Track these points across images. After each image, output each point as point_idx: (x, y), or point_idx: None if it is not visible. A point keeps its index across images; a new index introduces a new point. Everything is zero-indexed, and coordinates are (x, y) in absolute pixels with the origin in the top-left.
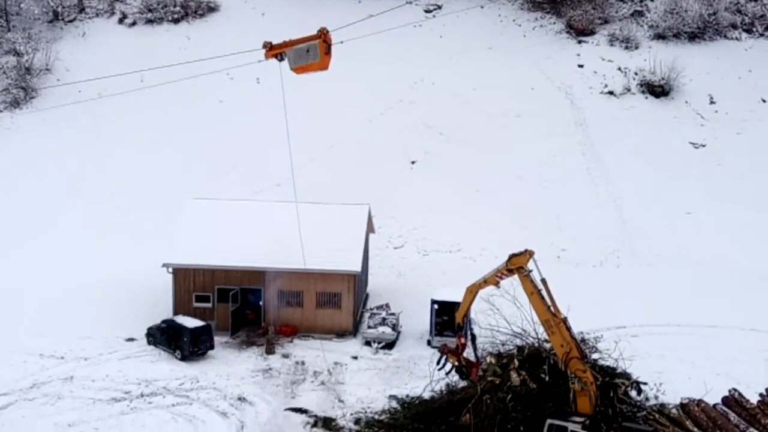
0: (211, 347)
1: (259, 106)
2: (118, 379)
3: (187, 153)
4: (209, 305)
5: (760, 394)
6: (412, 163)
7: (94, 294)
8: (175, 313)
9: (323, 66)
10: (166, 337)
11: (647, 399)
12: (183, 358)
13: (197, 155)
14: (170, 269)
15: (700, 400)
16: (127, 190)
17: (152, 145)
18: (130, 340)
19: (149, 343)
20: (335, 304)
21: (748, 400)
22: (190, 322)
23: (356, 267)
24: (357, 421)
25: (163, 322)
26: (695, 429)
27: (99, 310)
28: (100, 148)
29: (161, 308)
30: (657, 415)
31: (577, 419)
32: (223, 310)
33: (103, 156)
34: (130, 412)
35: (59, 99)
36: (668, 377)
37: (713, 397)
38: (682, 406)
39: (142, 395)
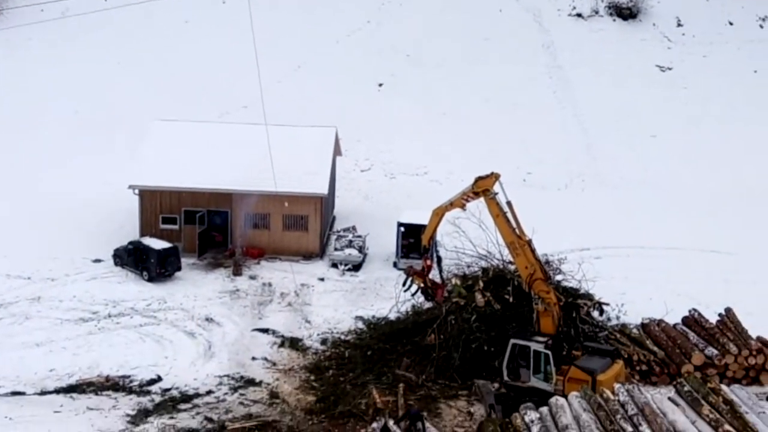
0: (179, 269)
1: (225, 27)
2: (86, 299)
3: (152, 74)
4: (176, 227)
5: (719, 314)
6: (379, 85)
7: (59, 215)
8: (142, 234)
9: None
10: (133, 258)
11: (609, 319)
12: (150, 279)
13: (162, 76)
14: (136, 191)
15: (661, 320)
16: (92, 111)
17: (117, 66)
18: (97, 261)
19: (116, 264)
20: (302, 227)
21: (707, 320)
22: (157, 244)
23: (323, 189)
24: (323, 341)
25: (130, 243)
26: (655, 348)
27: (65, 231)
28: (64, 68)
29: (128, 229)
30: (618, 335)
31: (540, 339)
32: (190, 232)
33: (67, 76)
34: (98, 332)
35: (21, 19)
36: (630, 298)
37: (673, 317)
38: (643, 326)
39: (109, 315)
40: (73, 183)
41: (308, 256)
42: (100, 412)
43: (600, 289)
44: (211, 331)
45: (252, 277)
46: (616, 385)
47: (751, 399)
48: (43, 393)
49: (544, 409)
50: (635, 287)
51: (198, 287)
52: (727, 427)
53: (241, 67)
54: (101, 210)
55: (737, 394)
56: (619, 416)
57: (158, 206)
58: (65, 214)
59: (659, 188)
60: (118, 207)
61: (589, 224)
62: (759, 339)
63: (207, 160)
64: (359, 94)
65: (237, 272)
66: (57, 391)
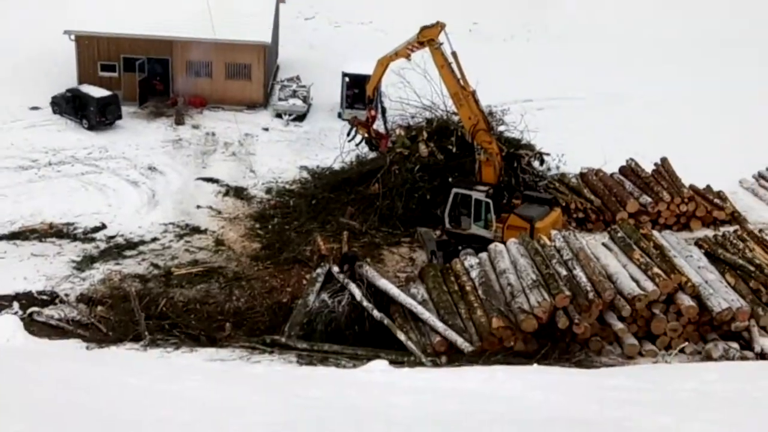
0: (119, 117)
1: None
2: (24, 147)
3: None
4: (115, 74)
5: (655, 164)
6: None
7: None
8: (80, 82)
9: None
10: (72, 106)
11: (549, 169)
12: (90, 128)
13: None
14: (72, 36)
15: (599, 170)
16: None
17: None
18: (35, 108)
19: (54, 112)
20: (245, 76)
21: (643, 170)
22: (97, 92)
23: (266, 38)
24: (268, 191)
25: (68, 91)
26: (592, 196)
27: None
28: None
29: (65, 77)
30: (557, 184)
31: (481, 188)
32: (129, 80)
33: None
34: (39, 180)
35: None
36: (570, 148)
37: (611, 167)
38: (581, 175)
39: (50, 164)
40: (3, 28)
41: (252, 105)
42: (45, 259)
43: (541, 140)
44: (155, 179)
45: (195, 127)
46: (553, 232)
47: (680, 244)
48: None
49: (484, 255)
50: (576, 137)
51: (140, 136)
52: (656, 269)
53: None
54: (36, 56)
55: (667, 239)
56: (554, 261)
57: (96, 53)
58: None
59: (605, 39)
60: (53, 53)
61: (534, 75)
62: (691, 187)
63: (146, 4)
64: None
65: (179, 121)
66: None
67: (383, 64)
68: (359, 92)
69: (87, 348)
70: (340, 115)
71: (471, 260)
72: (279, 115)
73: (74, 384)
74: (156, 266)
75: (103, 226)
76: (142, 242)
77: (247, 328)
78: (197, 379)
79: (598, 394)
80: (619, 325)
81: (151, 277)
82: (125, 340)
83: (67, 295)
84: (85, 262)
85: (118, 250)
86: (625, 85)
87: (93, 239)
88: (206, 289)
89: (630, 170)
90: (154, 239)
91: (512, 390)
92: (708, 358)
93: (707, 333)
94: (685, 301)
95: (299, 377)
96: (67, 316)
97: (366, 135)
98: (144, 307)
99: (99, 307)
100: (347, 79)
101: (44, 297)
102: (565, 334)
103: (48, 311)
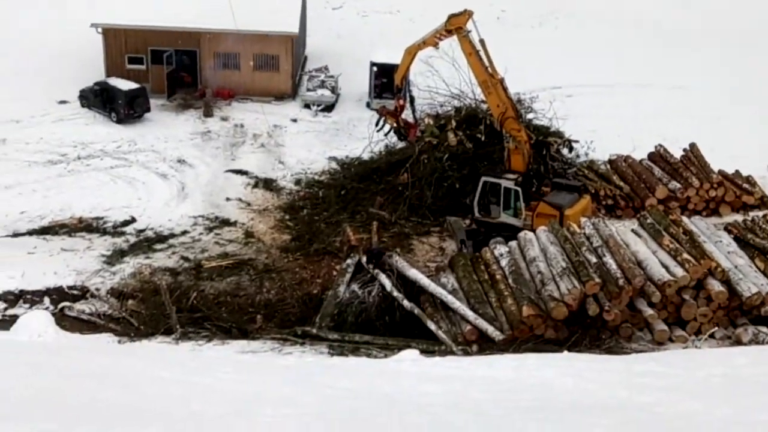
0: (148, 110)
1: None
2: (53, 141)
3: None
4: (143, 67)
5: (684, 149)
6: None
7: (19, 55)
8: (108, 75)
9: None
10: (100, 99)
11: (578, 156)
12: (119, 121)
13: None
14: (100, 29)
15: (628, 156)
16: None
17: None
18: (63, 102)
19: (83, 105)
20: (273, 67)
21: (672, 155)
22: (125, 85)
23: (294, 28)
24: (297, 182)
25: (96, 84)
26: (621, 183)
27: (26, 72)
28: None
29: (93, 70)
30: (586, 171)
31: (510, 176)
32: (157, 72)
33: None
34: (68, 174)
35: None
36: (599, 135)
37: (640, 153)
38: (610, 162)
39: (79, 158)
40: (31, 22)
41: (280, 96)
42: (74, 253)
43: (570, 127)
44: (184, 172)
45: (223, 119)
46: (583, 219)
47: (709, 229)
48: (15, 235)
49: (513, 243)
50: (605, 124)
51: (168, 129)
52: (685, 255)
53: None
54: (63, 50)
55: (697, 225)
56: (584, 248)
57: (123, 46)
58: (25, 54)
59: (633, 26)
60: (80, 46)
61: (562, 62)
62: (720, 172)
63: None
64: None
65: (208, 113)
66: (30, 233)
67: (411, 53)
68: (387, 81)
69: (119, 342)
70: (368, 105)
71: (501, 249)
72: (307, 106)
73: (106, 378)
74: (186, 259)
75: (133, 220)
76: (172, 235)
77: (278, 319)
78: (229, 371)
79: (628, 380)
80: (649, 312)
81: (182, 270)
82: (157, 333)
83: (97, 289)
84: (115, 256)
85: (148, 243)
86: (653, 72)
87: (123, 233)
88: (237, 282)
89: (659, 156)
90: (184, 232)
91: (543, 377)
92: (738, 342)
93: (737, 318)
94: (715, 286)
95: (330, 368)
96: (99, 310)
97: (394, 124)
98: (175, 300)
99: (130, 301)
100: (375, 68)
101: (75, 292)
102: (596, 321)
103: (79, 306)
